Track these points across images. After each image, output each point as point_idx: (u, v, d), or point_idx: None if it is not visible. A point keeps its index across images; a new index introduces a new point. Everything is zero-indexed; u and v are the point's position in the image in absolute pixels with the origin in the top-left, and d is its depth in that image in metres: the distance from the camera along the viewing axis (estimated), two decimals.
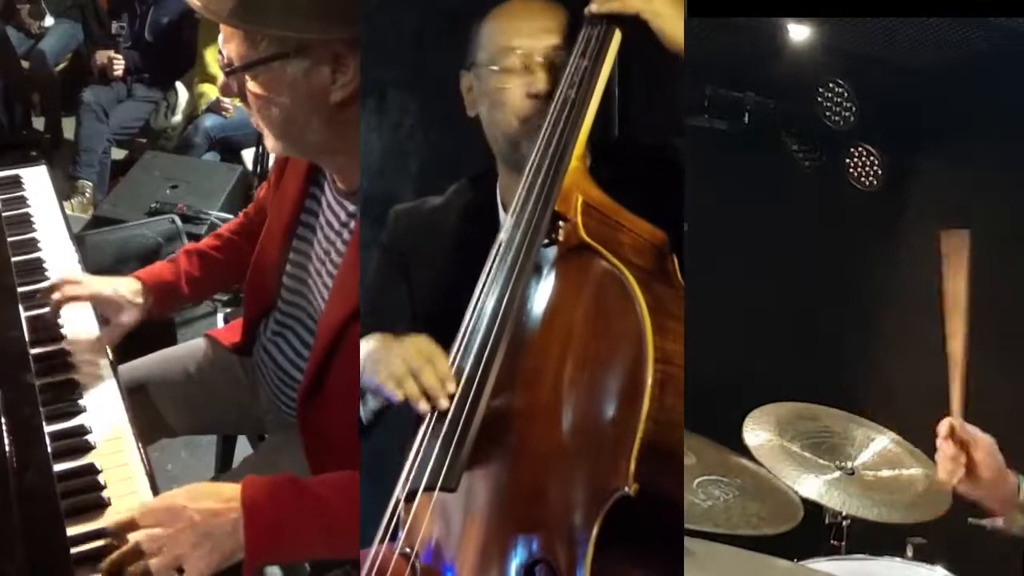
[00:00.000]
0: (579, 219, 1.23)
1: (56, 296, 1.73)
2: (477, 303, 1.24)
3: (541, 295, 1.23)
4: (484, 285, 1.25)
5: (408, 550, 1.22)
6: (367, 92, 1.91)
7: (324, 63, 1.36)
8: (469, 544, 1.20)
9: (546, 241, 1.24)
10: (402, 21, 1.94)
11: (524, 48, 1.36)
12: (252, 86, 1.39)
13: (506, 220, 1.29)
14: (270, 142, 1.46)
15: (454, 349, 1.24)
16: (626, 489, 1.08)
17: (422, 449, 1.19)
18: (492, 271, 1.25)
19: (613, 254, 1.19)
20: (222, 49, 1.40)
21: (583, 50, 1.32)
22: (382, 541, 1.21)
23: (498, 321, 1.20)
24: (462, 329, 1.24)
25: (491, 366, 1.19)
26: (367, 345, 1.33)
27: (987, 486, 1.51)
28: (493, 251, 1.27)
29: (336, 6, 1.32)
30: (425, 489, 1.17)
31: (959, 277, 1.60)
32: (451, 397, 1.20)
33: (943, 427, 1.53)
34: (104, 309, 1.77)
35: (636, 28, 1.30)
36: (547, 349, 1.20)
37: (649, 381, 1.10)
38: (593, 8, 1.33)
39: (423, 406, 1.21)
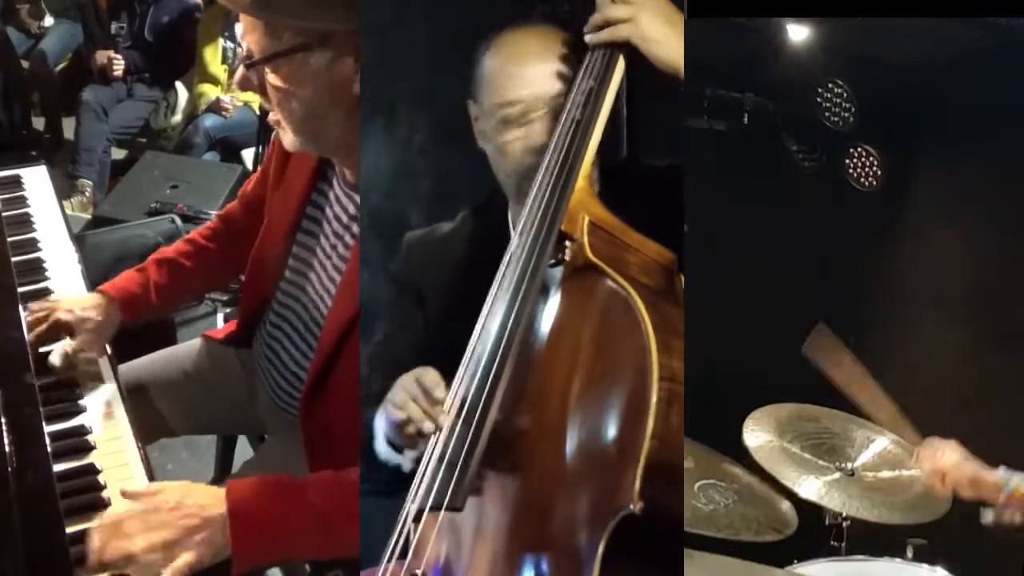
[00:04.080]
0: (585, 239, 1.23)
1: (32, 335, 1.64)
2: (484, 322, 1.24)
3: (548, 315, 1.24)
4: (491, 304, 1.25)
5: (417, 571, 1.22)
6: (376, 110, 1.92)
7: (347, 54, 1.35)
8: (478, 564, 1.20)
9: (552, 261, 1.24)
10: (412, 38, 1.94)
11: (524, 101, 1.33)
12: (273, 79, 1.37)
13: (513, 240, 1.29)
14: (288, 138, 1.44)
15: (462, 368, 1.24)
16: (631, 507, 1.08)
17: (428, 469, 1.20)
18: (499, 290, 1.25)
19: (619, 274, 1.19)
20: (242, 41, 1.39)
21: (589, 71, 1.31)
22: (391, 559, 1.22)
23: (504, 341, 1.20)
24: (469, 348, 1.24)
25: (497, 385, 1.19)
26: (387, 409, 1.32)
27: (966, 489, 1.73)
28: (500, 271, 1.26)
29: None
30: (431, 508, 1.17)
31: (841, 367, 2.03)
32: (442, 421, 1.21)
33: (912, 457, 1.88)
34: (66, 333, 1.67)
35: (635, 52, 1.30)
36: (553, 368, 1.20)
37: (654, 399, 1.11)
38: (587, 40, 1.32)
39: (426, 426, 1.22)
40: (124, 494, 1.31)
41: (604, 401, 1.15)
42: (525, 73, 1.34)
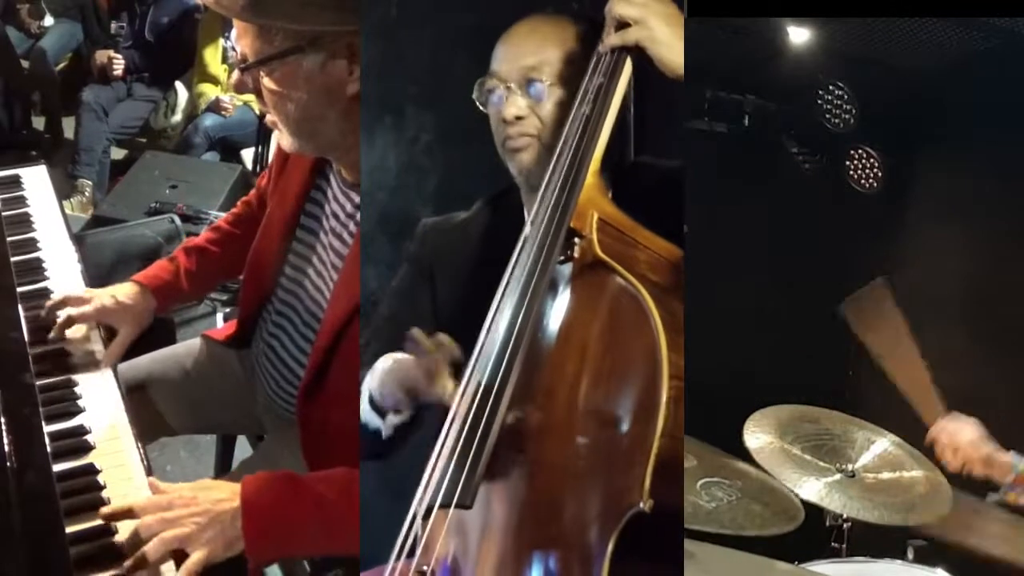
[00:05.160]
0: (594, 236, 1.23)
1: (62, 314, 1.70)
2: (493, 319, 1.24)
3: (557, 311, 1.23)
4: (500, 301, 1.25)
5: (425, 567, 1.21)
6: (385, 108, 1.92)
7: (340, 56, 1.36)
8: (486, 561, 1.19)
9: (562, 258, 1.24)
10: (421, 36, 1.95)
11: (499, 74, 1.39)
12: (267, 82, 1.38)
13: (523, 235, 1.29)
14: (284, 139, 1.45)
15: (470, 365, 1.23)
16: (641, 505, 1.07)
17: (438, 465, 1.19)
18: (508, 286, 1.25)
19: (629, 271, 1.18)
20: (235, 45, 1.40)
21: (599, 67, 1.32)
22: (399, 557, 1.21)
23: (513, 337, 1.20)
24: (478, 345, 1.24)
25: (506, 382, 1.19)
26: (383, 364, 1.33)
27: (977, 466, 1.84)
28: (510, 267, 1.26)
29: None
30: (441, 506, 1.17)
31: (884, 321, 2.12)
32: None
33: (928, 437, 1.98)
34: (108, 321, 1.74)
35: (643, 55, 1.31)
36: (563, 365, 1.20)
37: (664, 397, 1.10)
38: (600, 49, 1.34)
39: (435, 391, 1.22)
40: (152, 486, 1.34)
41: (614, 399, 1.14)
42: (506, 49, 1.40)
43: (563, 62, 1.38)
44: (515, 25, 1.42)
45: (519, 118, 1.37)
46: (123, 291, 1.78)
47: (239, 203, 1.98)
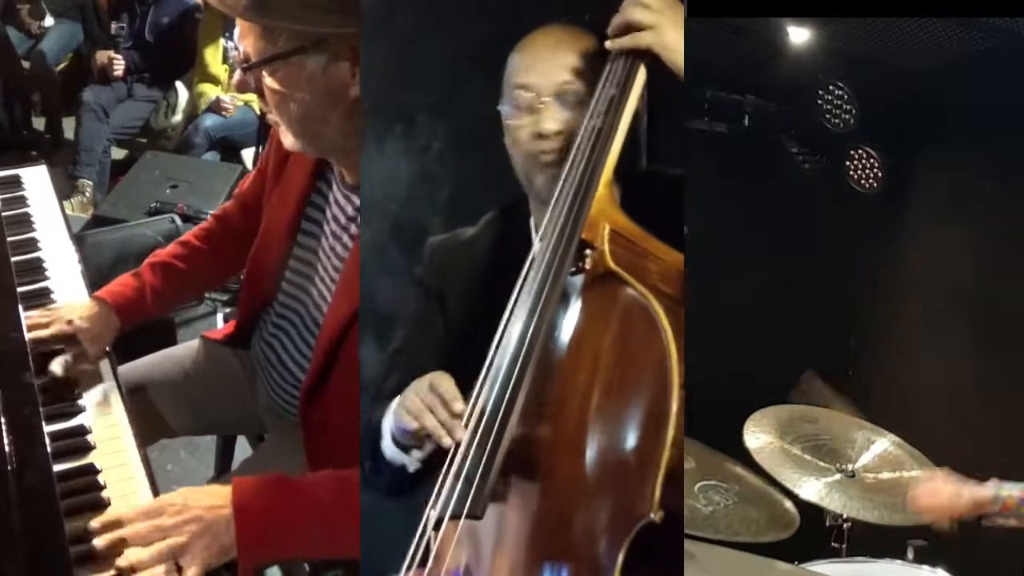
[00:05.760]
0: (606, 247, 1.23)
1: (29, 337, 1.63)
2: (504, 331, 1.24)
3: (568, 323, 1.23)
4: (511, 313, 1.24)
5: None
6: (396, 118, 1.92)
7: (343, 58, 1.35)
8: (498, 572, 1.20)
9: (573, 269, 1.24)
10: (433, 45, 1.94)
11: (532, 86, 1.36)
12: (270, 82, 1.38)
13: (534, 247, 1.28)
14: (288, 139, 1.45)
15: (481, 376, 1.23)
16: (652, 516, 1.08)
17: (448, 477, 1.19)
18: (519, 299, 1.24)
19: (640, 282, 1.18)
20: (238, 45, 1.40)
21: (610, 79, 1.31)
22: (410, 567, 1.21)
23: (524, 349, 1.20)
24: (489, 356, 1.23)
25: (517, 394, 1.19)
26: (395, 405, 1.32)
27: (968, 513, 1.76)
28: (520, 280, 1.26)
29: (353, 0, 1.31)
30: (451, 517, 1.17)
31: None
32: (460, 435, 1.20)
33: (909, 507, 1.89)
34: (66, 343, 1.66)
35: (655, 61, 1.30)
36: (574, 377, 1.20)
37: (675, 408, 1.10)
38: (608, 45, 1.32)
39: (445, 441, 1.21)
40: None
41: (624, 410, 1.14)
42: (535, 63, 1.37)
43: (587, 74, 1.36)
44: (535, 35, 1.40)
45: (558, 133, 1.34)
46: (83, 311, 1.71)
47: (211, 216, 1.94)
